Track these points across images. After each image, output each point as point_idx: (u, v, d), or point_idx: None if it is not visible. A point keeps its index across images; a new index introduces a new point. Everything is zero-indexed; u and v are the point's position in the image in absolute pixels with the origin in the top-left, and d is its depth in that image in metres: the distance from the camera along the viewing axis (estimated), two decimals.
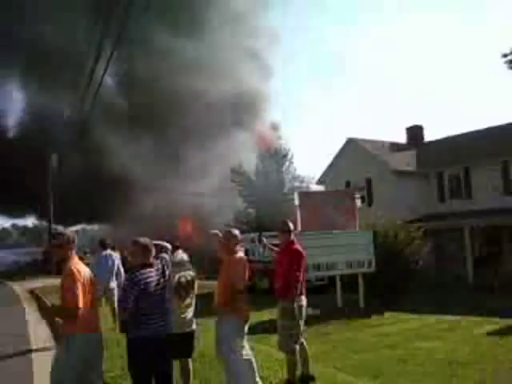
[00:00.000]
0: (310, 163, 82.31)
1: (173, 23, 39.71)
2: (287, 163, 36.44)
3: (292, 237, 6.38)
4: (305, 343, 6.39)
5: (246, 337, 5.42)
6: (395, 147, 27.08)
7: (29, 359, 8.70)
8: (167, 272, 4.81)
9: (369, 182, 24.89)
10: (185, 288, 5.46)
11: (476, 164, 22.35)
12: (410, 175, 24.20)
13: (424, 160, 25.40)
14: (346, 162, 25.83)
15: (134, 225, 34.21)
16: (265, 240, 7.45)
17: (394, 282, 13.90)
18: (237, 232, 5.45)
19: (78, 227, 51.42)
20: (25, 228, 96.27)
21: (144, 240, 4.70)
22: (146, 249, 4.62)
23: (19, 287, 25.49)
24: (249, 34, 44.52)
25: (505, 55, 15.01)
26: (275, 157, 36.29)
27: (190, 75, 39.19)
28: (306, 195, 14.58)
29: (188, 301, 5.57)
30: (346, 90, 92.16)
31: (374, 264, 13.64)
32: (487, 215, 20.12)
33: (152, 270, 4.58)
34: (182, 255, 5.97)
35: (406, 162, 25.10)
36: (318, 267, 13.31)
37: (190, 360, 5.84)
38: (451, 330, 10.43)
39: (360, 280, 13.75)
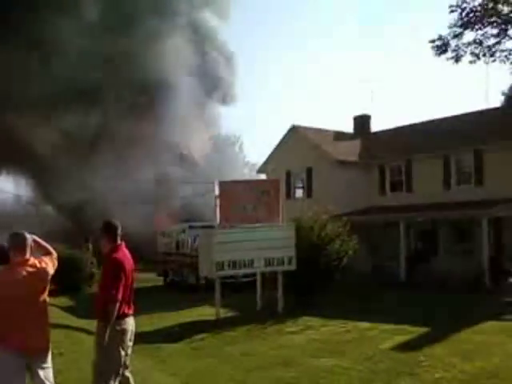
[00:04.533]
0: (262, 150, 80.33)
1: None
2: (237, 150, 35.52)
3: (117, 241, 4.99)
4: (131, 379, 5.08)
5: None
6: (340, 136, 25.82)
7: None
8: None
9: (309, 171, 23.65)
10: None
11: (418, 157, 21.26)
12: (353, 166, 22.95)
13: (367, 150, 24.31)
14: (288, 150, 24.52)
15: None
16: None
17: (315, 281, 12.99)
18: None
19: None
20: None
21: None
22: None
23: None
24: None
25: (432, 41, 14.41)
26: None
27: None
28: (226, 184, 13.40)
29: None
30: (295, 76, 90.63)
31: (294, 261, 12.68)
32: (425, 210, 19.07)
33: None
34: None
35: (350, 152, 23.88)
36: (234, 264, 12.31)
37: None
38: (358, 341, 9.48)
39: (279, 279, 12.78)
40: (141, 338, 10.06)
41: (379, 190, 22.69)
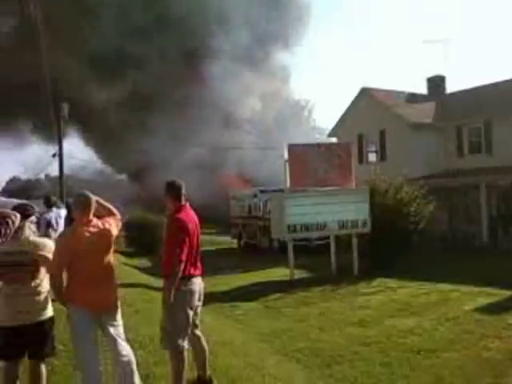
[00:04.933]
0: (332, 114, 77.70)
1: None
2: (306, 114, 34.53)
3: (181, 202, 4.82)
4: (202, 338, 4.99)
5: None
6: (414, 98, 24.67)
7: None
8: None
9: (382, 134, 22.81)
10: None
11: (498, 117, 19.90)
12: (428, 128, 21.93)
13: (443, 112, 23.10)
14: (360, 113, 23.73)
15: None
16: None
17: (391, 243, 12.62)
18: None
19: None
20: None
21: None
22: None
23: None
24: None
25: None
26: None
27: None
28: (296, 148, 13.16)
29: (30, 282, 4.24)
30: (363, 35, 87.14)
31: (369, 224, 12.44)
32: (507, 172, 17.91)
33: None
34: None
35: (424, 114, 22.78)
36: (307, 227, 12.22)
37: (42, 364, 4.43)
38: (438, 303, 9.12)
39: (354, 242, 12.60)
40: (216, 297, 10.38)
41: (456, 152, 21.57)
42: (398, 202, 13.18)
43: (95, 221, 4.43)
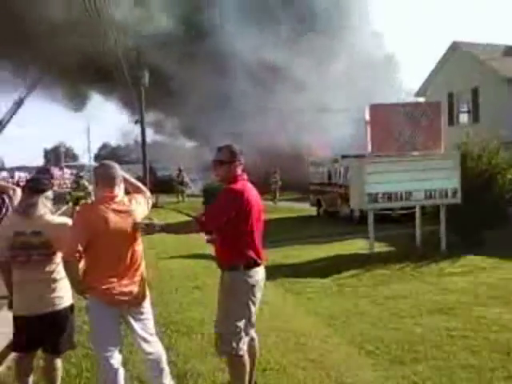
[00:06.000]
0: (419, 73, 71.78)
1: None
2: (392, 71, 32.52)
3: (237, 171, 4.03)
4: (256, 340, 4.32)
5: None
6: (511, 52, 22.07)
7: None
8: None
9: (475, 92, 20.71)
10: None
11: None
12: None
13: None
14: (450, 69, 21.90)
15: None
16: None
17: (483, 216, 11.34)
18: None
19: None
20: None
21: None
22: None
23: None
24: None
25: None
26: None
27: None
28: (378, 109, 11.98)
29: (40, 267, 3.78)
30: None
31: (459, 194, 11.18)
32: None
33: None
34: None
35: None
36: (389, 197, 11.21)
37: (58, 359, 3.99)
38: None
39: (442, 214, 11.42)
40: (285, 270, 9.79)
41: None
42: (492, 169, 11.85)
43: (121, 197, 3.79)
